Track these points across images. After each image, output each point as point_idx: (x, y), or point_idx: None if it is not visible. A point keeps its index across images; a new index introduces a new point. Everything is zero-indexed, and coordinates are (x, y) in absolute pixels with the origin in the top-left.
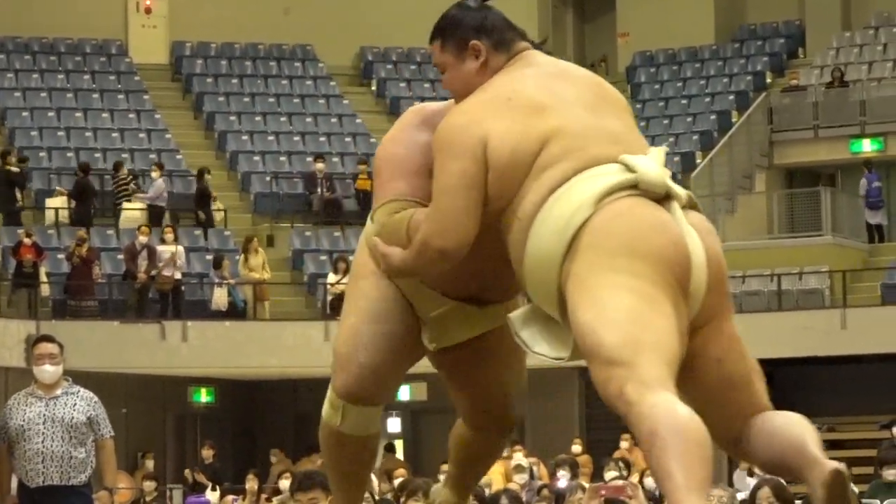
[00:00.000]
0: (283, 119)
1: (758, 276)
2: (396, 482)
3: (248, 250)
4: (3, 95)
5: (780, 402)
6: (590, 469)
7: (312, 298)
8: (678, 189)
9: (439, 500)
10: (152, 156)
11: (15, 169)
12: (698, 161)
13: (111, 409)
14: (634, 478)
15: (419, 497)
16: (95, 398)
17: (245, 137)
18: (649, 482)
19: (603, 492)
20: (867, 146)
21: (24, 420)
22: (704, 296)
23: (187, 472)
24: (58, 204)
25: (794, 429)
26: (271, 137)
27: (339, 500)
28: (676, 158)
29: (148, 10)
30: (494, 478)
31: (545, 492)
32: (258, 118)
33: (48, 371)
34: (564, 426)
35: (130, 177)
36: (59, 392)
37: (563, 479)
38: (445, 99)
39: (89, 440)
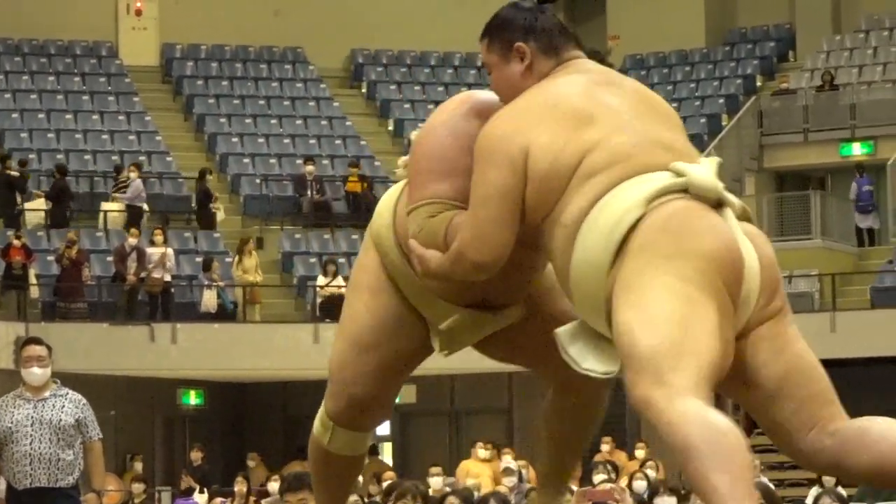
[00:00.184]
0: (273, 121)
1: None
2: (385, 485)
3: (242, 252)
4: None
5: None
6: (578, 472)
7: (302, 301)
8: (732, 197)
9: None
10: (142, 158)
11: (14, 173)
12: None
13: (100, 411)
14: (623, 481)
15: (408, 500)
16: (84, 400)
17: (235, 139)
18: (638, 485)
19: (590, 496)
20: (857, 150)
21: (12, 422)
22: (757, 301)
23: (184, 475)
24: (36, 206)
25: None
26: (261, 140)
27: None
28: None
29: (138, 12)
30: (483, 480)
31: (533, 494)
32: (248, 120)
33: (36, 373)
34: None
35: (127, 178)
36: (47, 394)
37: None
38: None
39: (77, 442)
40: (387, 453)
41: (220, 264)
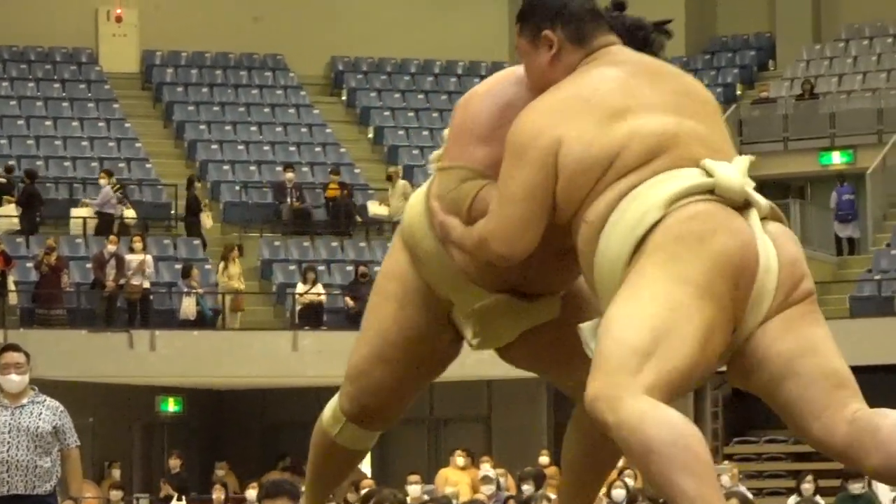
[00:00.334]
0: (252, 128)
1: None
2: (363, 492)
3: (227, 259)
4: None
5: (749, 414)
6: (558, 480)
7: (281, 308)
8: (759, 198)
9: None
10: (122, 164)
11: (2, 180)
12: None
13: (78, 418)
14: (601, 489)
15: None
16: (61, 407)
17: (215, 146)
18: (616, 493)
19: None
20: (837, 159)
21: None
22: (773, 298)
23: (162, 482)
24: (6, 212)
25: None
26: (241, 147)
27: (309, 495)
28: None
29: (118, 19)
30: (462, 489)
31: (512, 503)
32: (228, 127)
33: (14, 380)
34: (532, 437)
35: (119, 186)
36: (24, 401)
37: (527, 493)
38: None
39: (55, 449)
40: (365, 461)
41: (199, 271)
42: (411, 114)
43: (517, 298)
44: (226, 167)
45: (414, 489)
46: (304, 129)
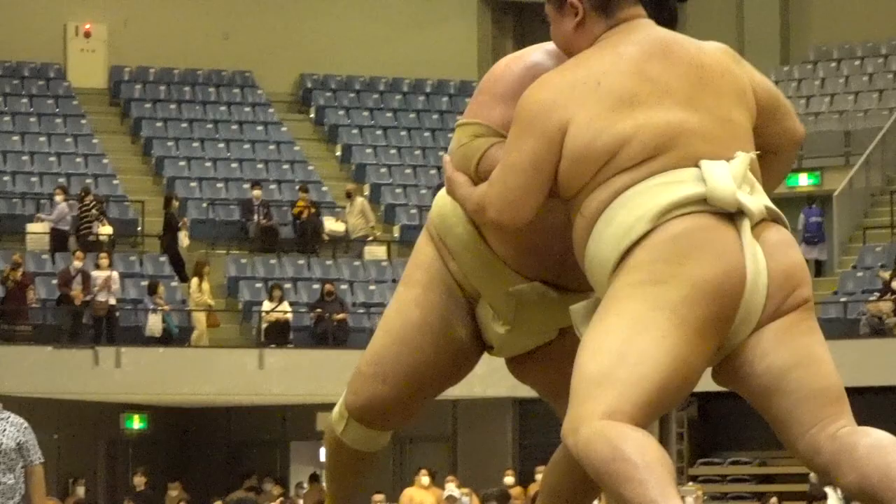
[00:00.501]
0: (220, 145)
1: None
2: None
3: (200, 275)
4: None
5: (714, 435)
6: (522, 501)
7: (247, 326)
8: (752, 204)
9: None
10: (89, 181)
11: None
12: None
13: (43, 434)
14: None
15: None
16: (25, 424)
17: (182, 163)
18: None
19: None
20: (804, 181)
21: None
22: (763, 309)
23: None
24: None
25: (883, 457)
26: (209, 164)
27: (331, 495)
28: None
29: (87, 34)
30: None
31: None
32: (196, 144)
33: None
34: (497, 457)
35: (97, 202)
36: None
37: None
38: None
39: (19, 466)
40: None
41: (165, 288)
42: (379, 132)
43: (548, 288)
44: (193, 184)
45: None
46: (272, 147)
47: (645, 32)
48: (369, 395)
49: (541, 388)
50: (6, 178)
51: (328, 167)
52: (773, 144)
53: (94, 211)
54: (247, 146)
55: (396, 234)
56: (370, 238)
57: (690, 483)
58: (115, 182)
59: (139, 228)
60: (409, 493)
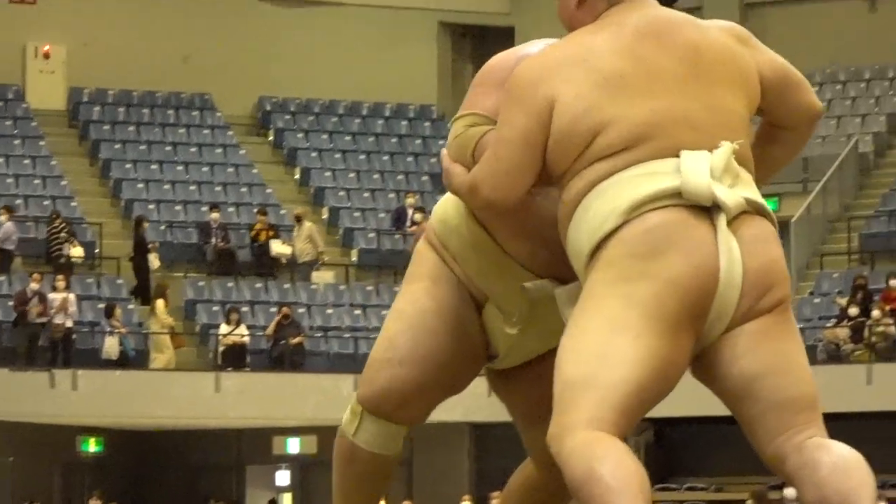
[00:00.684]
0: (179, 168)
1: None
2: None
3: (164, 297)
4: None
5: (670, 461)
6: None
7: (204, 349)
8: (728, 198)
9: None
10: (47, 202)
11: None
12: None
13: None
14: None
15: None
16: None
17: (140, 185)
18: None
19: None
20: None
21: None
22: (738, 307)
23: None
24: None
25: (845, 482)
26: (167, 186)
27: None
28: None
29: (46, 56)
30: None
31: None
32: (154, 166)
33: None
34: (453, 481)
35: (65, 224)
36: None
37: None
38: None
39: None
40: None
41: (122, 311)
42: (338, 155)
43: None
44: (151, 206)
45: None
46: (230, 169)
47: (643, 12)
48: (386, 380)
49: (522, 408)
50: None
51: (286, 190)
52: (789, 120)
53: (63, 234)
54: (205, 169)
55: (354, 257)
56: (318, 263)
57: None
58: (73, 204)
59: (97, 251)
60: None
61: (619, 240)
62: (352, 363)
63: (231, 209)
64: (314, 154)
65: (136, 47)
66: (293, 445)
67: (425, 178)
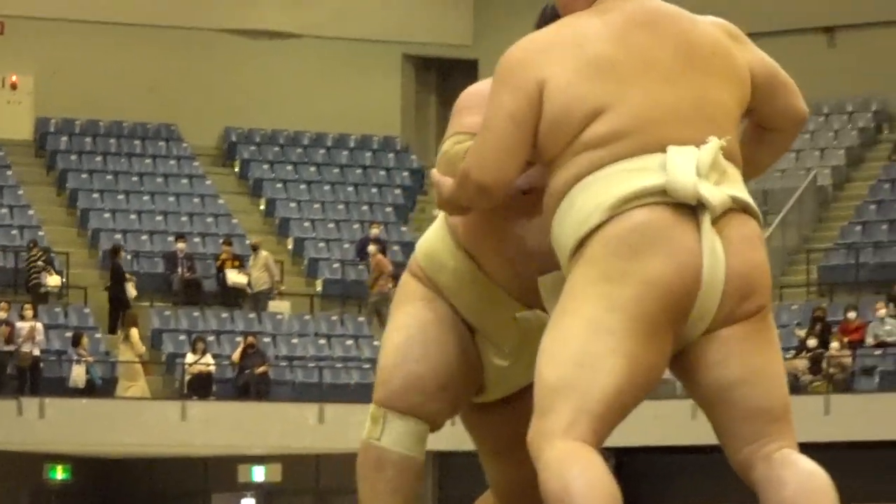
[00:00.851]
0: (145, 198)
1: None
2: None
3: (135, 324)
4: None
5: (631, 491)
6: None
7: (170, 378)
8: (714, 196)
9: None
10: (14, 232)
11: None
12: None
13: None
14: None
15: None
16: None
17: (107, 215)
18: None
19: None
20: None
21: None
22: (719, 310)
23: None
24: None
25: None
26: (133, 216)
27: None
28: None
29: (14, 86)
30: None
31: None
32: (121, 196)
33: None
34: None
35: (42, 252)
36: None
37: None
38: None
39: None
40: None
41: (89, 340)
42: (303, 186)
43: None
44: (117, 236)
45: None
46: (196, 200)
47: (639, 1)
48: (404, 376)
49: (489, 443)
50: None
51: (252, 221)
52: (775, 122)
53: (40, 262)
54: (171, 199)
55: (319, 288)
56: (275, 292)
57: None
58: (40, 234)
59: (64, 280)
60: None
61: (603, 237)
62: (317, 392)
63: (197, 239)
64: (279, 185)
65: (103, 78)
66: (258, 473)
67: (389, 209)
